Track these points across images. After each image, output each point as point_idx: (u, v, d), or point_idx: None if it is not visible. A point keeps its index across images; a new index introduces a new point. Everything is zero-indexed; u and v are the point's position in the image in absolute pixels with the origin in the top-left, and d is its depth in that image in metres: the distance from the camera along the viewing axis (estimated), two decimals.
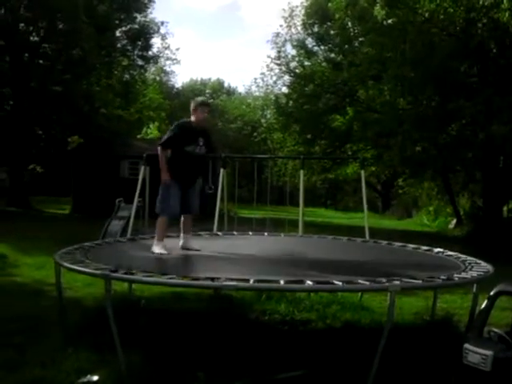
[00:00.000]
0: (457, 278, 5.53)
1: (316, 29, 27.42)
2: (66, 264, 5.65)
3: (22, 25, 26.74)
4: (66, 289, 6.88)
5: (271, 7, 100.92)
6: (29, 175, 31.67)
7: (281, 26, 28.13)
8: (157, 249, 6.47)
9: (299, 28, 27.88)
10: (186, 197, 6.63)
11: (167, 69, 51.34)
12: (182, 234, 6.84)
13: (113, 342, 4.93)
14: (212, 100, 66.61)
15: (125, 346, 4.96)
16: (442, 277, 5.43)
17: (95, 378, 4.83)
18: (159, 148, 6.48)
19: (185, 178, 6.53)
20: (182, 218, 6.82)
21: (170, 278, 5.13)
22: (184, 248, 6.83)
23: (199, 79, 70.35)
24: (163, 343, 5.53)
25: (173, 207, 6.50)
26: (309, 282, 4.94)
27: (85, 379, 4.82)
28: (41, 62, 27.96)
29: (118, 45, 30.76)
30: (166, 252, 6.45)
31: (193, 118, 6.62)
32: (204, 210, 7.96)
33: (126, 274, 5.25)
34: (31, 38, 27.57)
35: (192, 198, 6.77)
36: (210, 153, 6.93)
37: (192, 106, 6.67)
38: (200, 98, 7.28)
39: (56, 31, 26.61)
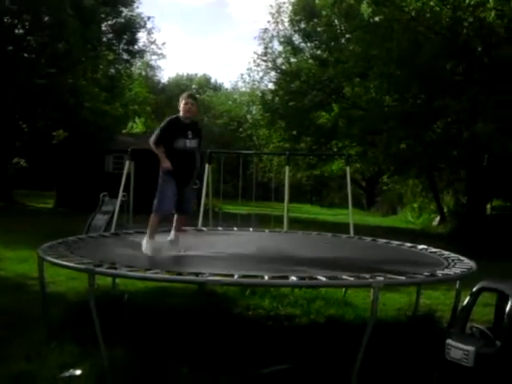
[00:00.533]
0: (440, 275, 5.56)
1: (303, 25, 27.45)
2: (49, 258, 5.61)
3: (6, 17, 26.46)
4: (49, 283, 6.85)
5: (259, 3, 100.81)
6: (13, 169, 31.42)
7: (268, 22, 28.17)
8: (146, 247, 6.40)
9: (286, 24, 27.92)
10: (182, 196, 6.54)
11: (153, 64, 51.26)
12: (172, 231, 6.75)
13: (96, 336, 4.92)
14: (198, 95, 66.53)
15: (108, 341, 4.94)
16: (426, 273, 5.47)
17: (78, 372, 4.81)
18: (153, 146, 6.40)
19: (180, 175, 6.44)
20: (176, 216, 6.74)
21: (154, 273, 5.12)
22: (171, 245, 6.74)
23: (185, 74, 70.23)
24: (147, 338, 5.52)
25: (167, 207, 6.41)
26: (293, 278, 4.95)
27: (67, 373, 4.80)
28: (25, 55, 27.71)
29: (104, 39, 30.55)
30: (153, 253, 6.34)
31: (181, 113, 6.59)
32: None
33: (109, 268, 5.23)
34: (16, 31, 27.30)
35: (188, 197, 6.68)
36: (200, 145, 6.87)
37: (179, 100, 6.61)
38: (186, 92, 7.23)
39: (41, 24, 26.37)
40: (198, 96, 62.82)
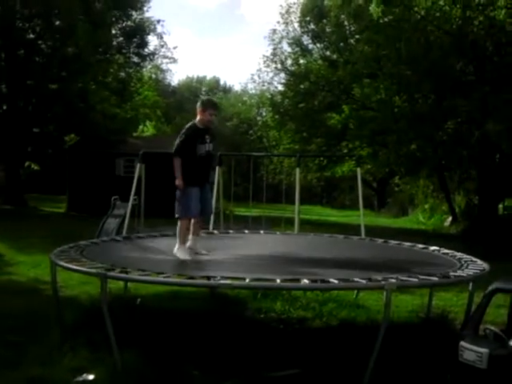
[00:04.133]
0: (453, 276, 5.54)
1: (312, 26, 27.41)
2: (61, 263, 5.64)
3: (18, 22, 26.62)
4: (61, 287, 6.88)
5: (271, 4, 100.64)
6: (25, 173, 31.59)
7: (278, 22, 28.15)
8: (180, 253, 6.41)
9: (296, 25, 27.89)
10: (202, 198, 6.60)
11: (163, 67, 51.23)
12: (190, 236, 6.74)
13: (109, 340, 4.93)
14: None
15: (120, 345, 4.96)
16: (438, 275, 5.45)
17: (91, 376, 4.83)
18: (173, 158, 6.41)
19: (200, 179, 6.51)
20: (193, 220, 6.74)
21: (166, 277, 5.13)
22: (190, 249, 6.73)
23: (195, 77, 70.30)
24: (159, 342, 5.53)
25: (194, 209, 6.46)
26: (305, 281, 4.95)
27: (81, 378, 4.82)
28: (37, 59, 27.86)
29: (114, 42, 30.65)
30: (189, 257, 6.39)
31: (198, 118, 6.58)
32: None
33: (121, 272, 5.25)
34: (27, 36, 27.46)
35: (207, 198, 6.75)
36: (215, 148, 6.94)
37: (198, 106, 6.61)
38: (206, 98, 7.23)
39: (52, 28, 26.52)
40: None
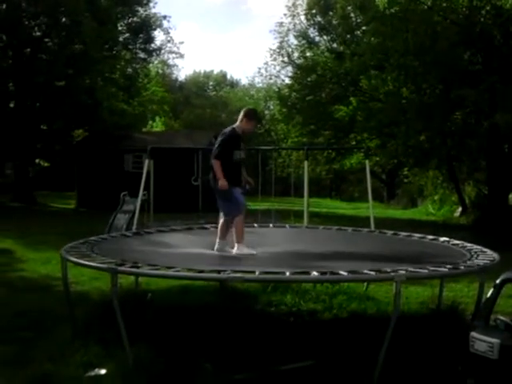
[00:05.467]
0: (463, 267, 5.53)
1: (318, 18, 27.31)
2: (72, 258, 5.67)
3: (24, 20, 26.67)
4: (72, 283, 6.91)
5: None
6: (34, 170, 31.72)
7: (284, 15, 28.06)
8: (242, 250, 6.52)
9: (302, 18, 27.80)
10: None
11: (170, 62, 51.24)
12: (218, 239, 6.79)
13: (120, 335, 4.96)
14: (215, 92, 66.55)
15: (132, 340, 4.99)
16: (448, 266, 5.43)
17: (103, 371, 4.86)
18: (214, 161, 6.53)
19: (236, 183, 6.66)
20: (222, 220, 6.82)
21: (176, 271, 5.14)
22: (220, 251, 6.77)
23: (202, 72, 70.25)
24: (170, 336, 5.55)
25: (241, 209, 6.63)
26: (314, 273, 4.95)
27: (93, 373, 4.85)
28: (43, 56, 27.93)
29: (120, 38, 30.69)
30: (253, 251, 6.55)
31: (238, 125, 6.76)
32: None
33: (132, 267, 5.27)
34: (33, 33, 27.53)
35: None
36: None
37: (243, 114, 6.78)
38: (254, 110, 7.30)
39: (58, 25, 26.57)
40: (214, 93, 62.88)
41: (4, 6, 25.96)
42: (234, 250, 6.56)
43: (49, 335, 5.99)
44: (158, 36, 44.52)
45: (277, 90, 29.17)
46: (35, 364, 5.13)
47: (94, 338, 5.51)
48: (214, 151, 6.60)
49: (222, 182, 6.43)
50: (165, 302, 7.18)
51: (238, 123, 6.79)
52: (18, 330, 6.23)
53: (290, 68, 28.24)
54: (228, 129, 6.82)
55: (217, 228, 7.27)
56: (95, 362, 5.01)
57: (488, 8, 16.85)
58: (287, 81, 28.74)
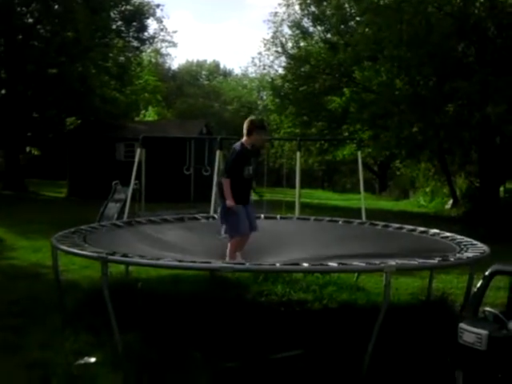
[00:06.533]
0: (452, 259, 5.55)
1: (313, 9, 27.21)
2: (62, 247, 5.66)
3: (16, 7, 26.48)
4: (62, 271, 6.90)
5: None
6: (25, 158, 31.58)
7: (279, 4, 27.95)
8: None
9: (296, 8, 27.69)
10: (248, 215, 6.69)
11: (163, 51, 51.04)
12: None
13: (110, 323, 4.96)
14: (208, 82, 66.35)
15: (122, 328, 4.99)
16: (438, 257, 5.45)
17: (93, 359, 4.86)
18: (223, 180, 6.52)
19: (244, 198, 6.66)
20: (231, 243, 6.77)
21: (167, 260, 5.14)
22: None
23: (195, 61, 70.02)
24: (160, 325, 5.55)
25: (244, 227, 6.60)
26: (305, 264, 4.96)
27: (82, 361, 4.85)
28: (35, 43, 27.75)
29: (113, 26, 30.50)
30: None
31: (246, 139, 6.64)
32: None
33: (122, 256, 5.26)
34: (25, 20, 27.33)
35: (252, 215, 6.89)
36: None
37: (247, 126, 6.66)
38: (256, 120, 7.18)
39: (50, 12, 26.40)
40: (207, 83, 62.58)
41: None
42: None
43: (39, 323, 5.98)
44: (151, 25, 44.27)
45: (270, 80, 29.11)
46: (24, 351, 5.14)
47: (83, 325, 5.51)
48: (223, 168, 6.57)
49: (230, 203, 6.39)
50: (155, 290, 7.18)
51: (245, 137, 6.65)
52: (8, 318, 6.22)
53: (283, 58, 28.16)
54: (237, 144, 6.70)
55: (207, 218, 7.25)
56: (85, 350, 5.01)
57: (482, 0, 16.84)
58: (281, 71, 28.67)
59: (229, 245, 6.63)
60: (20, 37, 26.90)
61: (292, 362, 5.02)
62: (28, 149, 32.20)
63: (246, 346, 5.23)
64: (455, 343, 4.36)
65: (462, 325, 4.34)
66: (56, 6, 26.34)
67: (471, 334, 4.23)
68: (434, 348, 5.04)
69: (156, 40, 35.78)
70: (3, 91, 28.07)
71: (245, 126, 6.69)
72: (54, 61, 26.47)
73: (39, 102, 28.21)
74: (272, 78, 28.78)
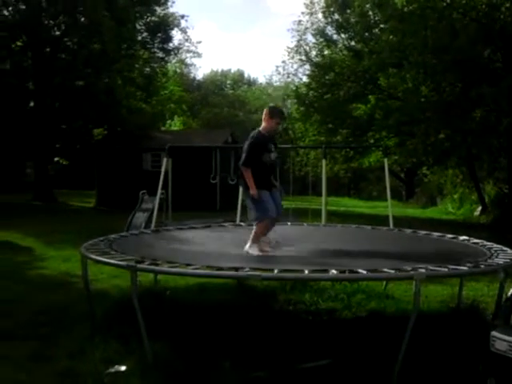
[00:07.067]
0: (483, 266, 5.47)
1: (336, 16, 27.25)
2: (92, 256, 5.70)
3: (43, 19, 26.91)
4: (92, 280, 6.95)
5: None
6: (53, 169, 32.01)
7: (302, 13, 28.04)
8: (253, 250, 6.42)
9: (320, 16, 27.76)
10: (274, 199, 6.66)
11: (188, 61, 51.47)
12: (249, 242, 6.62)
13: (139, 332, 4.98)
14: (233, 91, 66.64)
15: (151, 337, 5.01)
16: (468, 264, 5.38)
17: (123, 368, 4.88)
18: (242, 168, 6.49)
19: (268, 184, 6.60)
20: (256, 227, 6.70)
21: (195, 269, 5.16)
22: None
23: (220, 70, 70.40)
24: (188, 334, 5.56)
25: (271, 211, 6.51)
26: (333, 271, 4.94)
27: (113, 369, 4.87)
28: (63, 56, 28.18)
29: (139, 37, 30.89)
30: (267, 249, 6.49)
31: (264, 126, 6.61)
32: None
33: (151, 265, 5.29)
34: (52, 33, 27.78)
35: (278, 201, 6.78)
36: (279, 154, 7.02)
37: (266, 113, 6.62)
38: (275, 107, 7.20)
39: (77, 25, 26.80)
40: (231, 92, 62.65)
41: (24, 6, 26.24)
42: (246, 247, 6.50)
43: (69, 332, 6.03)
44: (176, 35, 44.83)
45: (294, 88, 29.15)
46: (55, 361, 5.18)
47: (113, 334, 5.54)
48: (241, 158, 6.55)
49: (253, 192, 6.36)
50: (183, 299, 7.20)
51: (263, 124, 6.63)
52: (38, 327, 6.28)
53: (307, 66, 28.28)
54: (254, 132, 6.68)
55: (234, 225, 7.24)
56: (115, 359, 5.04)
57: (508, 5, 16.71)
58: (305, 79, 28.78)
59: (254, 228, 6.60)
60: (48, 49, 27.34)
61: (320, 371, 4.99)
62: (56, 159, 32.61)
63: (275, 355, 5.21)
64: (487, 351, 4.31)
65: (494, 333, 4.29)
66: (82, 19, 26.73)
67: (503, 342, 4.17)
68: (466, 356, 4.97)
69: (181, 50, 36.25)
70: (32, 103, 28.51)
71: (264, 112, 6.68)
72: (81, 73, 26.84)
73: (67, 113, 28.60)
74: (296, 87, 28.84)
